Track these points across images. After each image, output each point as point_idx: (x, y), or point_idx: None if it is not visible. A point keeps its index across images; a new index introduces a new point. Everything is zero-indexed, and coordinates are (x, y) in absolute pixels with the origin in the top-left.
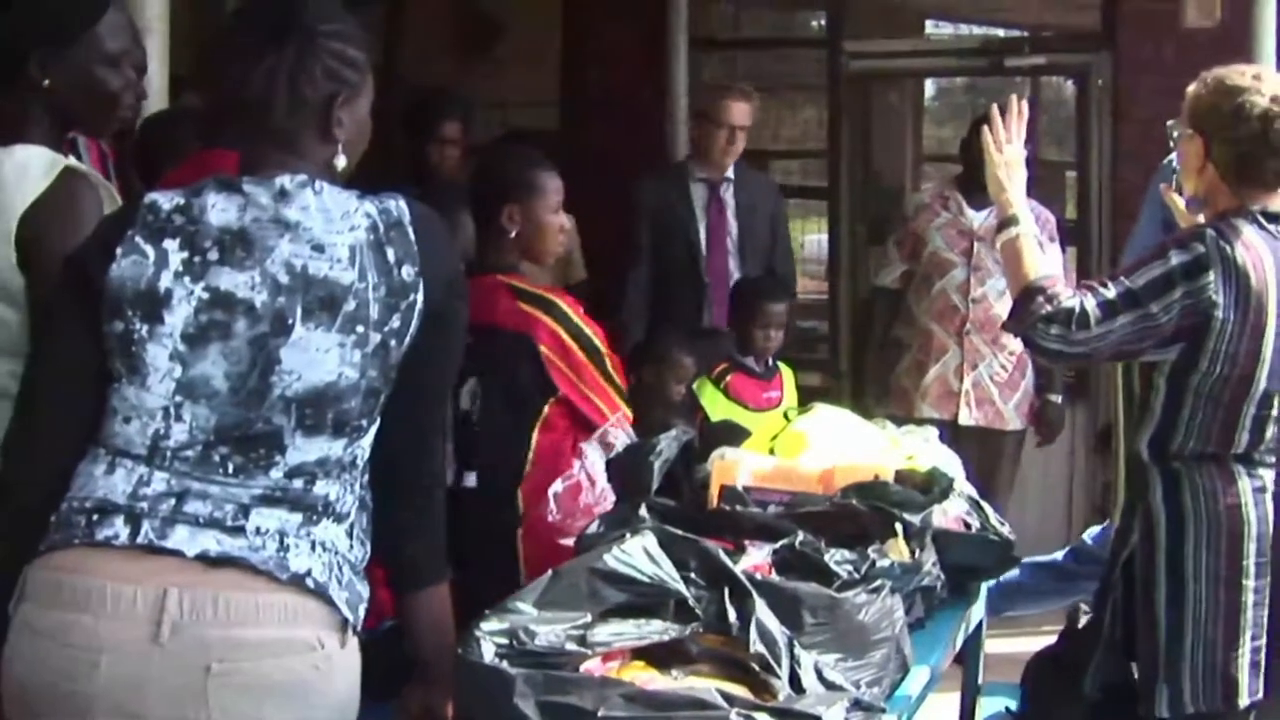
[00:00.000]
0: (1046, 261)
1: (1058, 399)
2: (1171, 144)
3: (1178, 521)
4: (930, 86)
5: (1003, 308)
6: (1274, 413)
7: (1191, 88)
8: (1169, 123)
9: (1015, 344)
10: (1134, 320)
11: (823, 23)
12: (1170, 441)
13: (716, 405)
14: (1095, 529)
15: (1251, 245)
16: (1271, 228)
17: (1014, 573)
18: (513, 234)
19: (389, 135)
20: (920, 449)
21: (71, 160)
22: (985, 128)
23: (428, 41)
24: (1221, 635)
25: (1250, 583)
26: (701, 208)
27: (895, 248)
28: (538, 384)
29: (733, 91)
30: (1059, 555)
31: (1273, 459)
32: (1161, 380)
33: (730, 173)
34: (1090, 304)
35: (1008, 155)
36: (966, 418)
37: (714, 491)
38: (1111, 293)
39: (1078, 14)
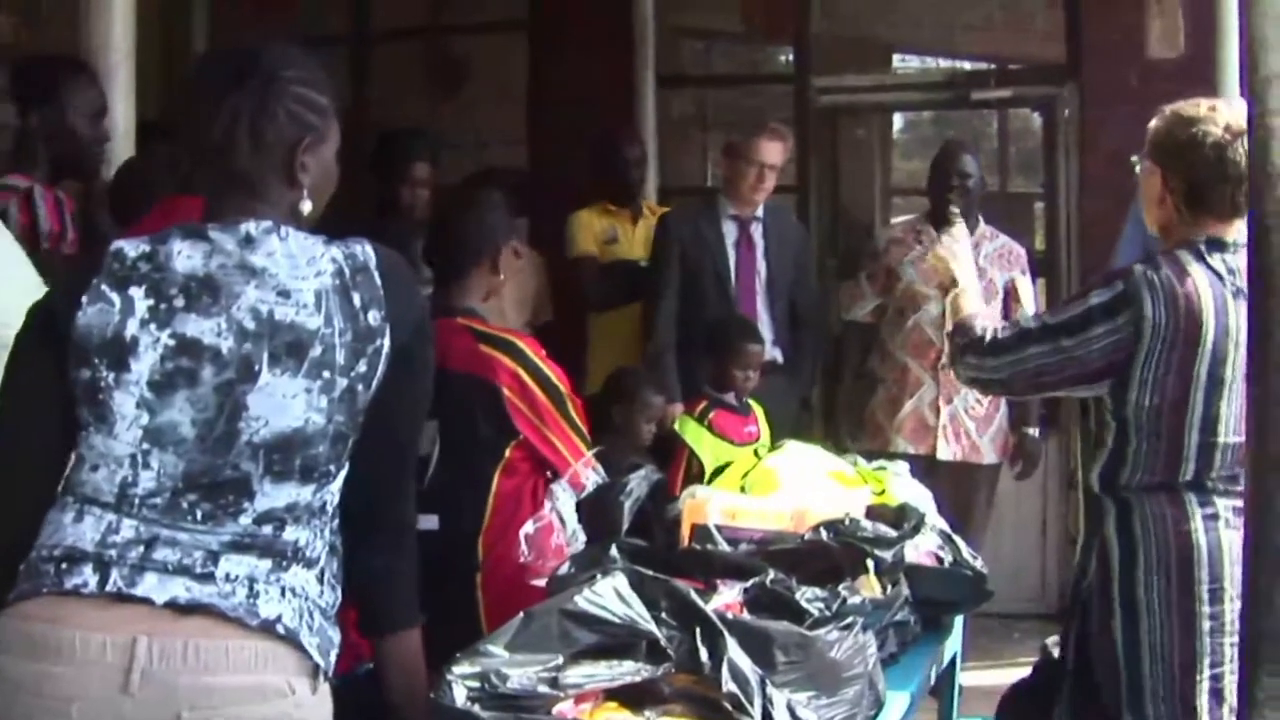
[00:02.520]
0: (974, 303)
1: (1034, 432)
2: (1135, 178)
3: (1129, 550)
4: (898, 120)
5: None
6: (1220, 439)
7: (1153, 121)
8: (1133, 158)
9: None
10: (1047, 352)
11: (790, 58)
12: (1119, 473)
13: (702, 442)
14: None
15: (1189, 275)
16: (1215, 257)
17: None
18: (502, 276)
19: (358, 177)
20: (891, 484)
21: None
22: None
23: (396, 82)
24: (1178, 663)
25: (1205, 609)
26: (732, 244)
27: (867, 281)
28: (498, 426)
29: (765, 130)
30: None
31: (1229, 487)
32: (1110, 416)
33: (760, 212)
34: (1004, 333)
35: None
36: (945, 452)
37: (685, 530)
38: (1030, 325)
39: (1043, 46)
